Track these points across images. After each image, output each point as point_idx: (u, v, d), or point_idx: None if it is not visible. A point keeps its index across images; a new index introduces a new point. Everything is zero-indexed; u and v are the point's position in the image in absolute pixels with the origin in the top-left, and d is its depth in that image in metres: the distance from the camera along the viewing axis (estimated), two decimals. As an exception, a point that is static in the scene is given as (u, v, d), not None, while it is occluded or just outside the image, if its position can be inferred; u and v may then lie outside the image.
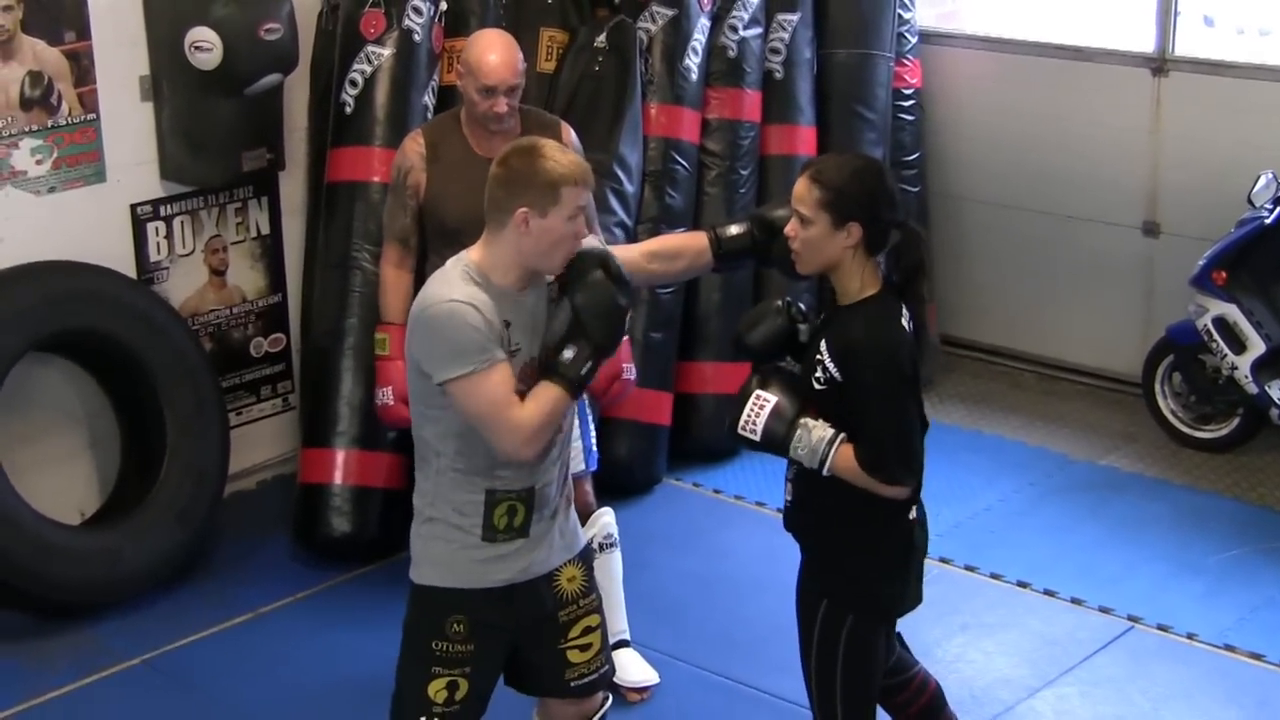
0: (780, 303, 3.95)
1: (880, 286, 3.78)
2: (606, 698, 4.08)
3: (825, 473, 3.75)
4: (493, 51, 4.75)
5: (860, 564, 3.86)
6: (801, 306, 3.98)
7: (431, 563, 3.78)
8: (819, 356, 3.75)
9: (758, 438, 3.82)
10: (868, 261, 3.76)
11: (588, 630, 3.92)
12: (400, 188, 4.95)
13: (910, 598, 3.95)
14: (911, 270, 3.80)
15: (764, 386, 3.82)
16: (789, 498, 3.96)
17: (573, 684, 3.93)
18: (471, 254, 3.68)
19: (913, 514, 3.87)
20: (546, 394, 3.62)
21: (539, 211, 3.58)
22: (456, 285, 3.60)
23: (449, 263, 3.70)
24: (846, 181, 3.70)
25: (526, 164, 3.61)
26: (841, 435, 3.73)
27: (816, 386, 3.77)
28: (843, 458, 3.73)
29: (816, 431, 3.74)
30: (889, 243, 3.78)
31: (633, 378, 5.05)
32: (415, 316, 3.65)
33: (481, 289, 3.61)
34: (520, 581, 3.77)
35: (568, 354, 3.64)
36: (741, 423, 3.83)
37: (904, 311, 3.77)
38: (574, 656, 3.91)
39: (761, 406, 3.81)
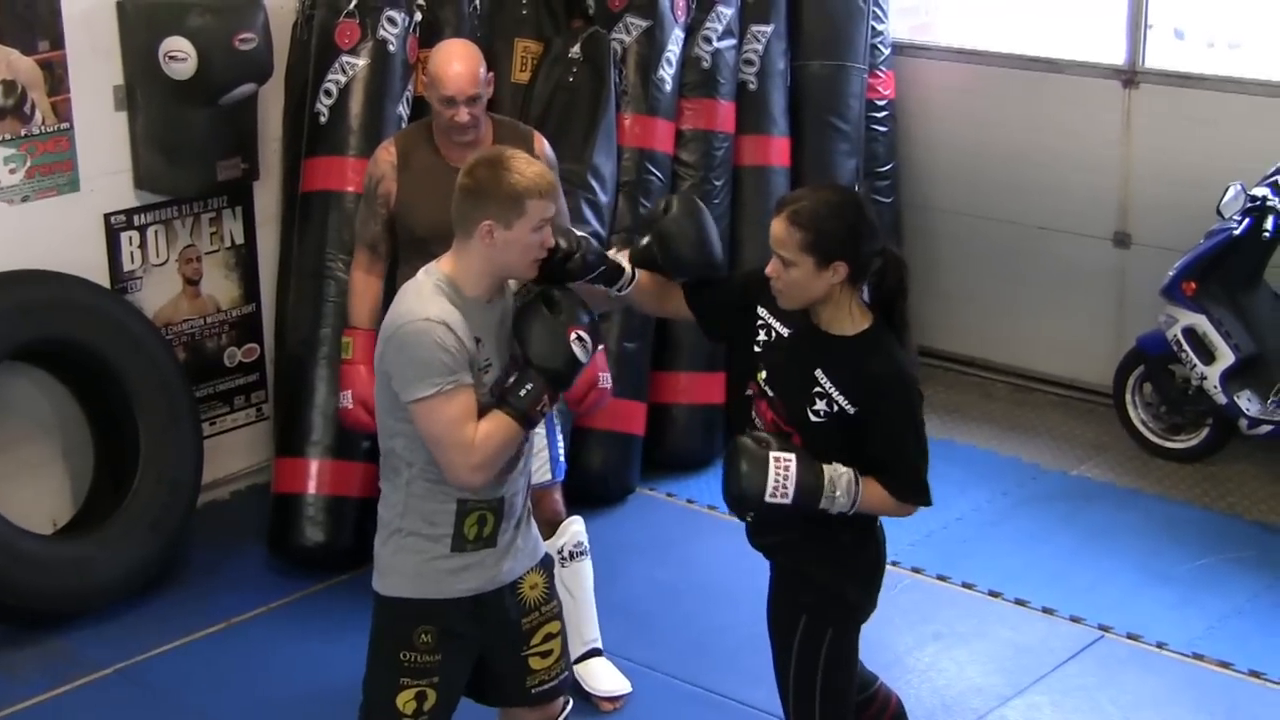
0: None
1: (872, 318, 3.76)
2: (567, 702, 4.10)
3: (852, 511, 3.72)
4: (454, 62, 4.73)
5: (836, 577, 3.87)
6: (590, 240, 3.96)
7: (400, 573, 3.78)
8: (818, 389, 3.72)
9: (791, 499, 3.67)
10: (854, 292, 3.75)
11: (549, 637, 3.94)
12: (372, 196, 4.95)
13: (874, 604, 3.97)
14: (892, 294, 3.79)
15: (769, 446, 3.71)
16: (748, 519, 3.92)
17: (534, 691, 3.95)
18: (442, 265, 3.69)
19: (879, 521, 3.90)
20: (497, 424, 3.63)
21: (503, 223, 3.59)
22: (430, 300, 3.61)
23: (421, 274, 3.71)
24: (827, 222, 3.65)
25: (491, 176, 3.61)
26: (855, 470, 3.72)
27: (813, 419, 3.73)
28: (871, 492, 3.73)
29: (844, 476, 3.70)
30: (872, 269, 3.76)
31: (609, 387, 5.05)
32: (388, 332, 3.65)
33: (454, 303, 3.62)
34: (487, 591, 3.79)
35: (521, 386, 3.66)
36: (770, 490, 3.67)
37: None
38: (535, 664, 3.93)
39: (785, 467, 3.68)
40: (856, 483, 3.71)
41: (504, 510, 3.77)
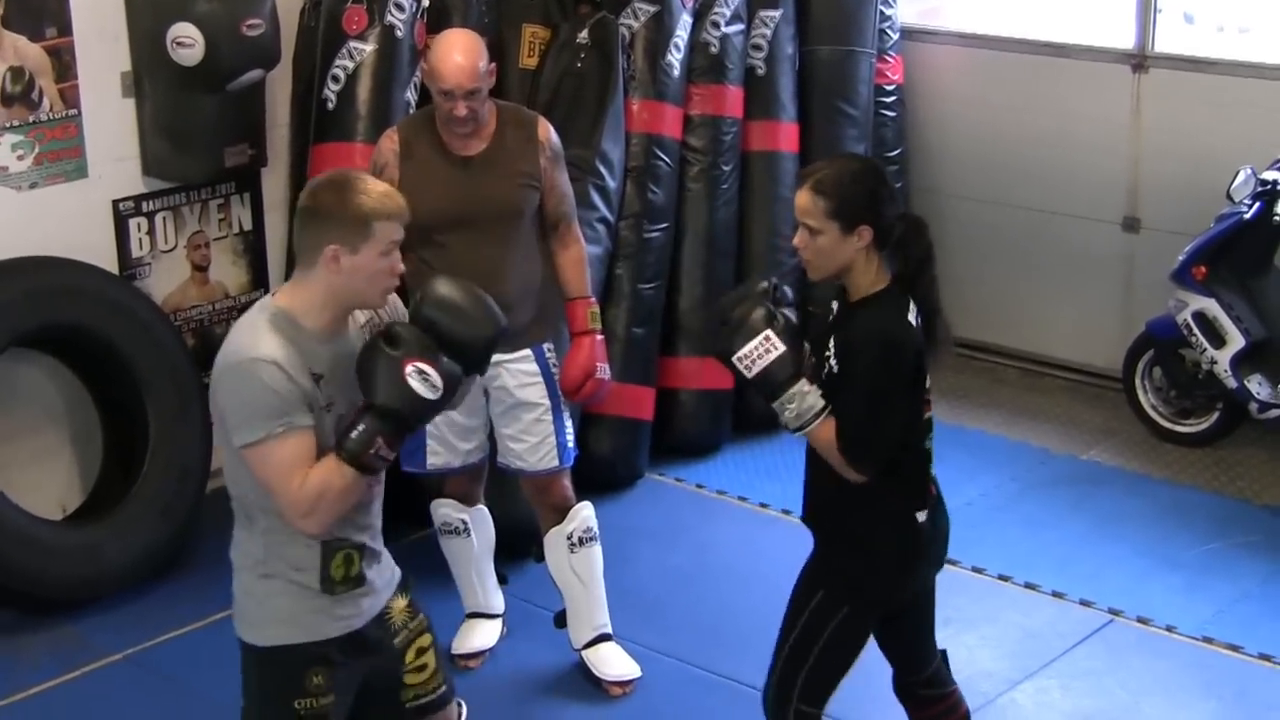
0: (765, 284, 3.94)
1: (889, 281, 3.81)
2: (460, 713, 4.00)
3: (798, 435, 3.80)
4: (454, 54, 4.68)
5: (862, 568, 3.88)
6: (787, 290, 4.01)
7: (277, 621, 3.56)
8: (829, 352, 3.80)
9: (751, 375, 3.80)
10: (877, 257, 3.80)
11: (420, 651, 3.80)
12: None
13: (903, 596, 3.98)
14: (920, 259, 3.84)
15: (774, 329, 3.79)
16: (811, 494, 3.99)
17: (409, 705, 3.80)
18: (279, 298, 3.48)
19: (921, 516, 3.88)
20: (328, 470, 3.38)
21: (349, 248, 3.38)
22: (263, 337, 3.38)
23: (255, 308, 3.50)
24: (850, 187, 3.74)
25: (335, 198, 3.42)
26: (830, 409, 3.76)
27: (823, 381, 3.81)
28: (824, 429, 3.76)
29: (810, 398, 3.76)
30: (895, 235, 3.81)
31: (606, 377, 5.05)
32: (217, 371, 3.44)
33: (288, 338, 3.40)
34: (366, 622, 3.66)
35: (353, 429, 3.38)
36: (742, 353, 3.79)
37: (910, 306, 3.80)
38: (411, 679, 3.79)
39: (769, 350, 3.78)
40: (819, 412, 3.74)
41: (367, 547, 3.61)
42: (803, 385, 3.77)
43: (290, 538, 3.50)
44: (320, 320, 3.45)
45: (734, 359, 3.80)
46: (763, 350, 3.78)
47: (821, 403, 3.77)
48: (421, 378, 3.39)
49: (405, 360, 3.38)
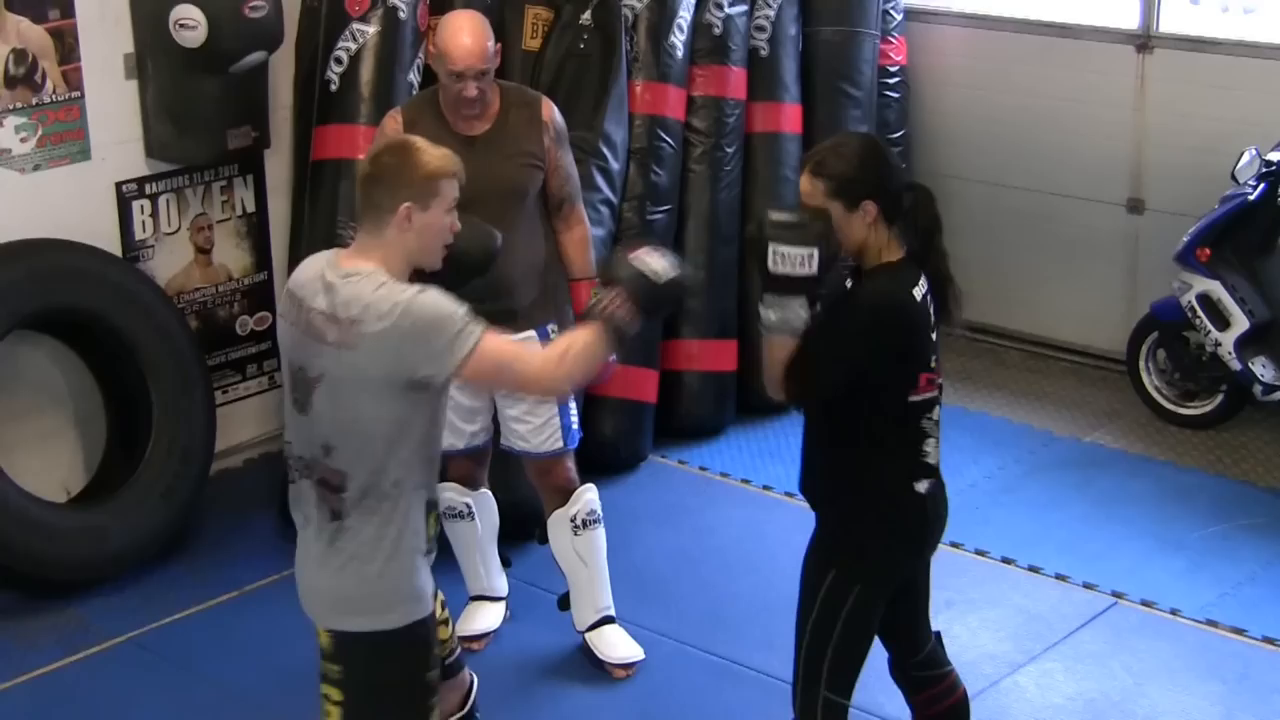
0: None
1: (901, 254, 3.81)
2: (471, 680, 4.16)
3: (763, 329, 3.76)
4: (463, 35, 4.69)
5: (867, 535, 3.88)
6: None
7: (410, 599, 3.58)
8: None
9: (772, 270, 3.70)
10: (888, 232, 3.81)
11: (443, 605, 4.06)
12: None
13: (911, 568, 3.98)
14: (928, 229, 3.85)
15: (820, 251, 3.71)
16: (809, 470, 3.99)
17: (447, 661, 4.02)
18: (368, 263, 3.50)
19: (921, 487, 3.87)
20: (567, 336, 3.64)
21: (421, 206, 3.50)
22: (396, 282, 3.47)
23: (358, 275, 3.48)
24: (849, 165, 3.75)
25: (401, 160, 3.53)
26: (799, 336, 3.73)
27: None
28: (779, 343, 3.73)
29: (801, 316, 3.72)
30: (904, 207, 3.82)
31: (615, 358, 5.03)
32: (389, 319, 3.40)
33: None
34: None
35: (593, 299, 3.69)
36: (784, 251, 3.70)
37: (920, 282, 3.79)
38: (441, 633, 4.00)
39: (804, 265, 3.69)
40: (796, 323, 3.70)
41: None
42: (785, 304, 3.72)
43: (418, 504, 3.54)
44: (402, 279, 3.53)
45: (771, 247, 3.70)
46: (799, 261, 3.69)
47: (799, 316, 3.71)
48: (649, 259, 3.70)
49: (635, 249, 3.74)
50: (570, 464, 5.06)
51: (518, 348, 3.67)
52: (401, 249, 3.52)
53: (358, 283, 3.46)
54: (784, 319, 3.75)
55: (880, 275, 3.80)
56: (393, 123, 4.91)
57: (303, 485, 3.62)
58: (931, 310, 3.83)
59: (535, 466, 5.06)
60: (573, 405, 5.03)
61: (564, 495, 5.04)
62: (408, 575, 3.57)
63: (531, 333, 4.88)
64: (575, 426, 5.04)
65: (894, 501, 3.87)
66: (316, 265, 3.59)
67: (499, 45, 4.84)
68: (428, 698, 3.65)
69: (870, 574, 3.89)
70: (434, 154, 3.55)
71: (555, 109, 4.96)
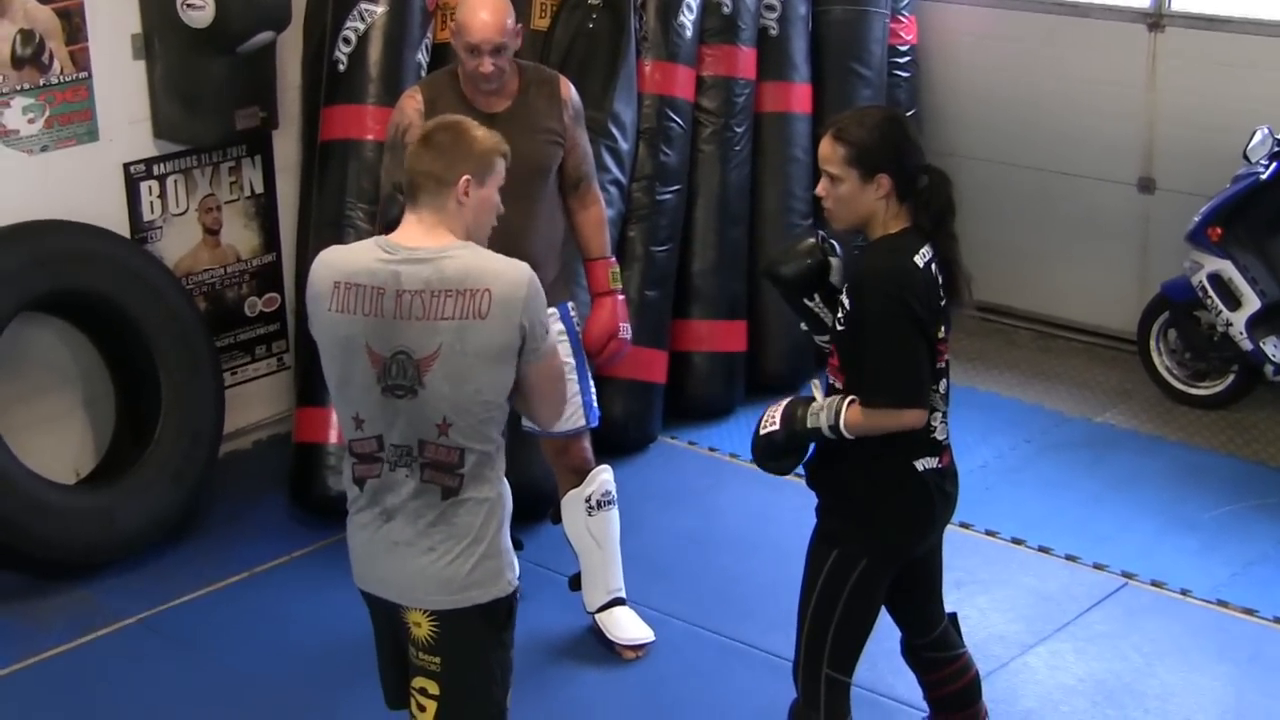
0: (814, 239, 4.00)
1: (906, 225, 3.81)
2: None
3: (845, 430, 3.80)
4: (481, 10, 4.70)
5: (870, 513, 3.88)
6: (834, 242, 4.03)
7: (509, 565, 3.64)
8: (841, 296, 3.83)
9: (778, 424, 3.90)
10: (899, 208, 3.81)
11: None
12: (398, 145, 4.90)
13: (913, 548, 3.97)
14: (941, 211, 3.84)
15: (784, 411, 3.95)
16: (811, 455, 4.01)
17: None
18: (445, 237, 3.54)
19: (922, 465, 3.86)
20: None
21: (479, 180, 3.57)
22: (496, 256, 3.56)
23: (456, 242, 3.54)
24: (870, 135, 3.76)
25: (457, 137, 3.59)
26: (850, 396, 3.79)
27: (839, 328, 3.83)
28: (854, 411, 3.78)
29: (830, 400, 3.83)
30: (918, 187, 3.81)
31: (629, 337, 5.05)
32: (524, 290, 3.48)
33: None
34: None
35: None
36: (761, 429, 3.95)
37: (925, 251, 3.78)
38: None
39: (772, 415, 3.94)
40: (842, 404, 3.79)
41: None
42: (818, 405, 3.86)
43: (503, 465, 3.62)
44: None
45: (760, 434, 3.95)
46: (770, 417, 3.95)
47: (836, 397, 3.83)
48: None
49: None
50: (587, 443, 5.05)
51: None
52: (462, 223, 3.57)
53: (466, 256, 3.50)
54: (826, 408, 3.84)
55: (880, 247, 3.81)
56: (412, 101, 4.89)
57: (397, 475, 3.56)
58: (939, 279, 3.82)
59: (552, 446, 5.04)
60: (591, 382, 5.02)
61: (579, 475, 5.03)
62: (505, 544, 3.63)
63: (554, 310, 4.86)
64: (595, 404, 5.03)
65: (897, 479, 3.86)
66: (366, 252, 3.56)
67: (520, 25, 4.83)
68: (510, 663, 3.69)
69: (873, 552, 3.88)
70: (486, 132, 3.63)
71: (572, 88, 4.96)
